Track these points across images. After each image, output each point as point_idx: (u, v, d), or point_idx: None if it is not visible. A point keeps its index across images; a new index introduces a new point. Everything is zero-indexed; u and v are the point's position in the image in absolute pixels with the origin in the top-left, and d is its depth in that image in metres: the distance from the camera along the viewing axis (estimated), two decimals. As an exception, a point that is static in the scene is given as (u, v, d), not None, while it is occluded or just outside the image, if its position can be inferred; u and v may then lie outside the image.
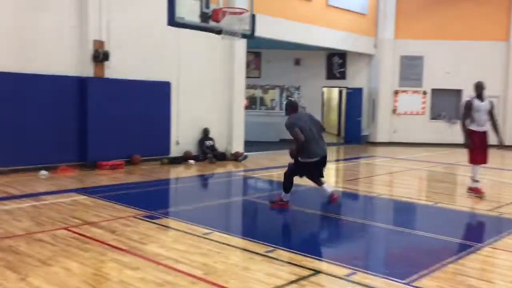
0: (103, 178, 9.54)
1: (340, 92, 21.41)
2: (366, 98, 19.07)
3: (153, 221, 6.20)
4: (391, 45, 18.58)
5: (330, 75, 19.34)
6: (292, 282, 4.17)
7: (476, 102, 8.09)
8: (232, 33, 8.92)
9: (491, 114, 8.17)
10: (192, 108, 12.54)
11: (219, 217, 7.15)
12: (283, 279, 4.22)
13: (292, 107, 7.27)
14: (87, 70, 10.45)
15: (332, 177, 11.65)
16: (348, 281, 4.25)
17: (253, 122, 16.73)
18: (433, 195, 9.08)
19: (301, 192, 8.11)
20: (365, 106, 19.09)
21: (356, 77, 19.19)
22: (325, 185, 7.15)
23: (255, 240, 5.38)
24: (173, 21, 8.30)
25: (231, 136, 13.38)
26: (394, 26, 18.61)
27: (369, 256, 5.47)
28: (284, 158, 9.05)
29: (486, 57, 18.18)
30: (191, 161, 11.92)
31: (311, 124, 7.04)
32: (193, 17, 8.63)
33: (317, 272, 4.44)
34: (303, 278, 4.27)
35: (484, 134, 8.18)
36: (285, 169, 7.22)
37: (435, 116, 18.85)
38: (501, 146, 8.16)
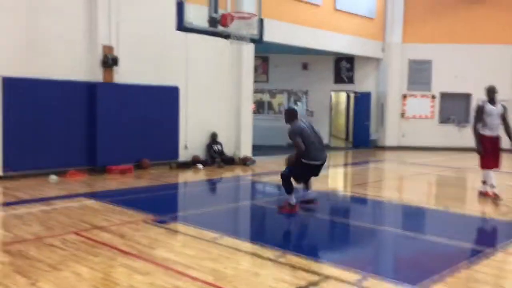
0: (112, 182, 9.57)
1: (348, 96, 21.37)
2: (374, 102, 19.00)
3: (162, 225, 6.20)
4: (399, 49, 18.50)
5: (338, 79, 19.29)
6: (301, 287, 4.14)
7: (488, 106, 8.03)
8: (241, 38, 8.94)
9: (503, 118, 8.11)
10: (200, 112, 12.57)
11: (228, 221, 7.14)
12: (293, 285, 4.19)
13: (292, 115, 7.35)
14: (97, 75, 10.51)
15: (340, 182, 11.60)
16: (359, 286, 4.21)
17: (260, 126, 16.71)
18: (444, 199, 9.01)
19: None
20: (373, 110, 19.02)
21: (364, 81, 19.13)
22: (311, 190, 7.58)
23: (264, 245, 5.37)
24: (181, 26, 8.35)
25: (239, 140, 13.38)
26: (402, 30, 18.53)
27: (380, 261, 5.42)
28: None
29: (495, 60, 18.04)
30: (200, 166, 11.93)
31: (313, 130, 7.26)
32: (202, 22, 8.69)
33: (327, 277, 4.41)
34: (313, 283, 4.24)
35: (496, 139, 8.11)
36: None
37: (444, 120, 18.74)
38: None
